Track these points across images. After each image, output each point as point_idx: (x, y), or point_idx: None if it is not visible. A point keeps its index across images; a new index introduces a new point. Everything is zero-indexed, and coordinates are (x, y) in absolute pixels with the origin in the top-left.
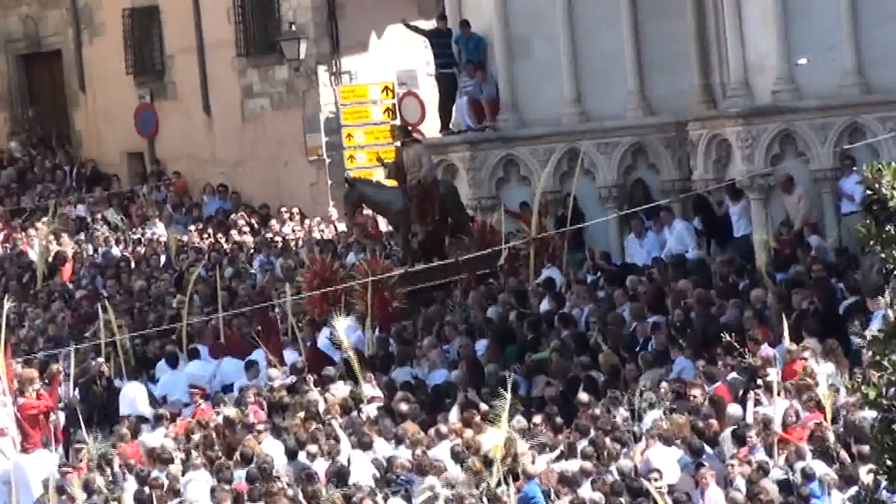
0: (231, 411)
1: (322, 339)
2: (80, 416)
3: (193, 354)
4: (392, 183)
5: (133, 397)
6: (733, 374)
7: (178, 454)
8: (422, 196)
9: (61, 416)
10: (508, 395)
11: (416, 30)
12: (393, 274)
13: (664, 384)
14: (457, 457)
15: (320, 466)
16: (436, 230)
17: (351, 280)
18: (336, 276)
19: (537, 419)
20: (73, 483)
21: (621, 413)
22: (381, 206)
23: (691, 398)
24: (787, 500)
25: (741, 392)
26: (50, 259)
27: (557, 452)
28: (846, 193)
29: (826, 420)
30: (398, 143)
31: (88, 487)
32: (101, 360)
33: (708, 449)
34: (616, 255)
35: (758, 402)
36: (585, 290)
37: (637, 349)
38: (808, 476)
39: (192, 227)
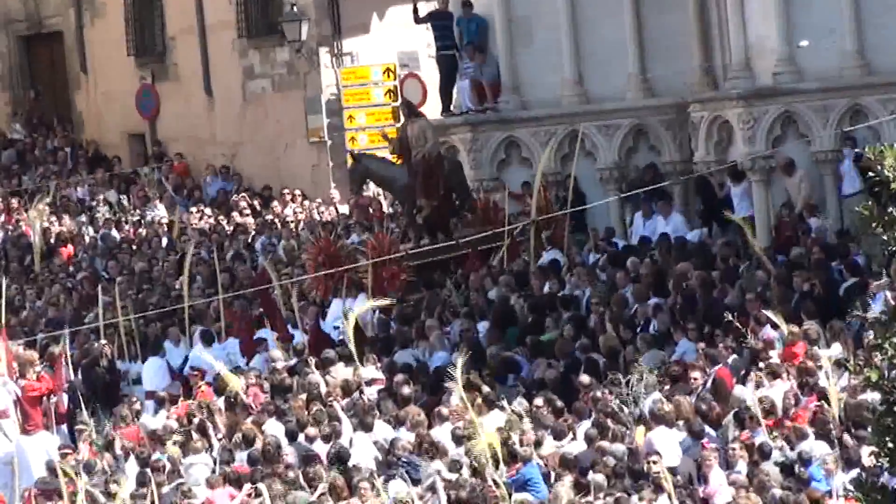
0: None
1: (329, 319)
2: (82, 399)
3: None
4: (396, 158)
5: (153, 373)
6: (734, 357)
7: (178, 437)
8: (426, 171)
9: (64, 398)
10: (459, 379)
11: (421, 20)
12: (398, 255)
13: (663, 366)
14: (457, 440)
15: (321, 448)
16: (440, 205)
17: (355, 258)
18: (340, 252)
19: (538, 402)
20: (69, 464)
21: (621, 396)
22: (386, 181)
23: (692, 380)
24: (788, 482)
25: (742, 374)
26: (52, 240)
27: (570, 437)
28: (845, 175)
29: (829, 403)
30: (402, 120)
31: (89, 469)
32: (103, 341)
33: (710, 431)
34: (617, 235)
35: (759, 385)
36: (587, 271)
37: (638, 331)
38: (806, 459)
39: (193, 209)
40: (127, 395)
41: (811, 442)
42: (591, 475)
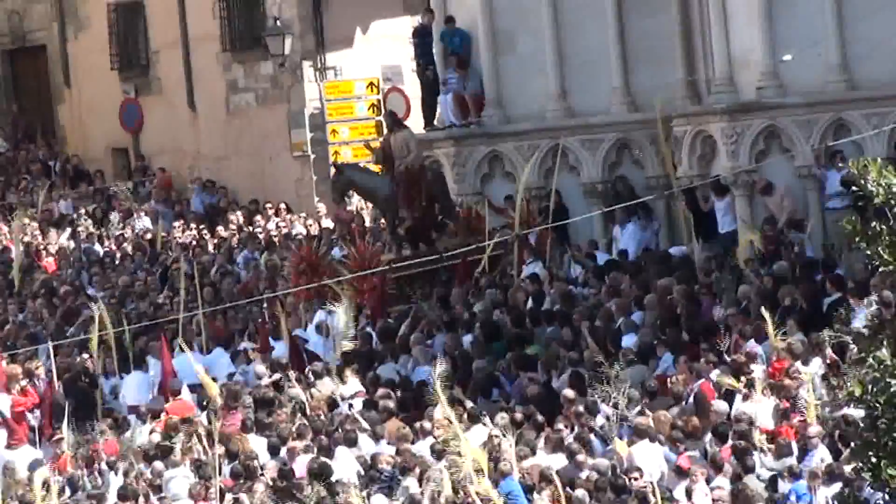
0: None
1: (311, 333)
2: (66, 412)
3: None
4: (380, 169)
5: (135, 387)
6: (717, 371)
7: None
8: (409, 182)
9: (36, 412)
10: (440, 393)
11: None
12: (382, 269)
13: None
14: (437, 454)
15: (302, 462)
16: (423, 217)
17: (337, 270)
18: (322, 261)
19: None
20: (52, 473)
21: (604, 410)
22: (368, 191)
23: (673, 394)
24: (772, 497)
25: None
26: (35, 254)
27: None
28: (831, 189)
29: (810, 419)
30: (386, 131)
31: (73, 484)
32: (85, 356)
33: (691, 447)
34: (601, 250)
35: (746, 398)
36: (565, 286)
37: (622, 345)
38: (793, 474)
39: (177, 223)
40: (112, 409)
41: (794, 458)
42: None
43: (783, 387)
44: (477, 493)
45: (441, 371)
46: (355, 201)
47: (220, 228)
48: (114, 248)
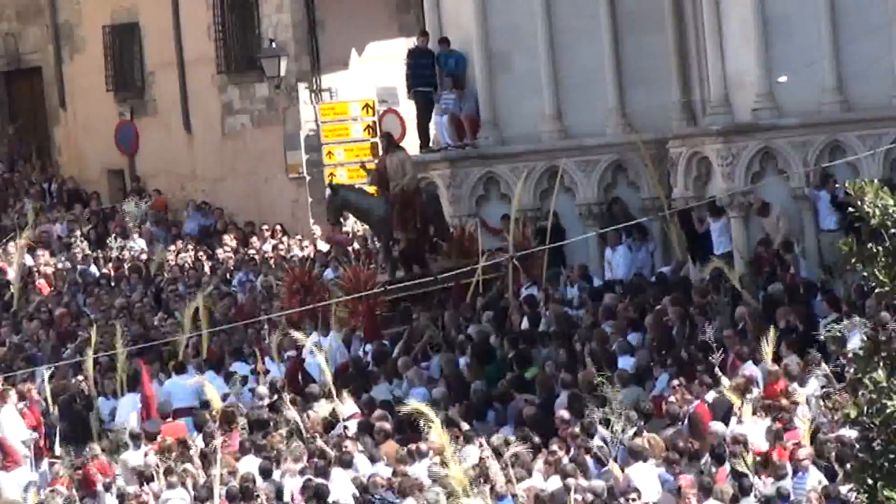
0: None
1: (306, 355)
2: (59, 434)
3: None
4: (375, 190)
5: (128, 409)
6: (712, 393)
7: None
8: (404, 204)
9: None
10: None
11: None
12: (375, 291)
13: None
14: (433, 476)
15: (295, 484)
16: (417, 238)
17: (331, 292)
18: (314, 282)
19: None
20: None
21: (600, 432)
22: (363, 212)
23: (669, 414)
24: None
25: (725, 410)
26: (31, 276)
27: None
28: (823, 209)
29: (804, 441)
30: (381, 152)
31: None
32: (80, 378)
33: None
34: (598, 272)
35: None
36: (561, 308)
37: (618, 367)
38: (783, 496)
39: (172, 246)
40: (113, 431)
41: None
42: None
43: (780, 408)
44: None
45: (437, 393)
46: (350, 223)
47: (219, 251)
48: (111, 270)
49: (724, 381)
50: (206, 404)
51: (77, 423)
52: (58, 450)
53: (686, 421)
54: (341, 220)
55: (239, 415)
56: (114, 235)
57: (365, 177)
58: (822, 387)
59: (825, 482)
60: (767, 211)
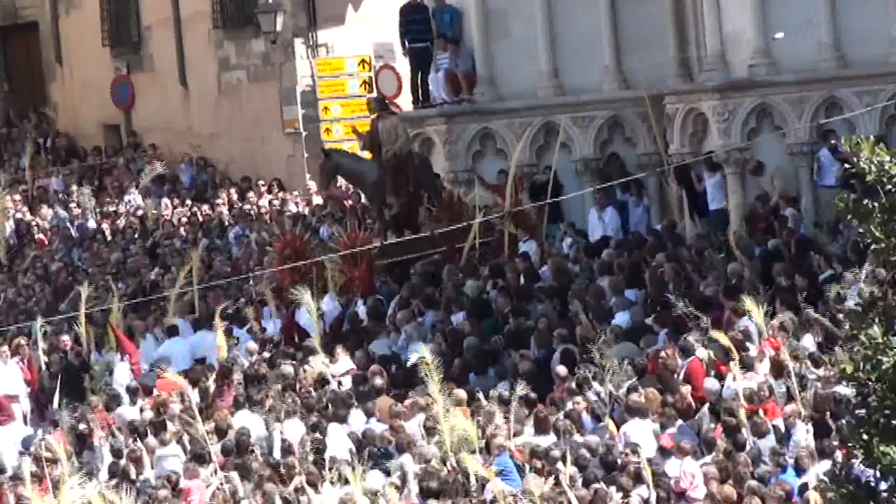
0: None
1: (302, 312)
2: (59, 388)
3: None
4: (367, 154)
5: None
6: (704, 350)
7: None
8: (397, 168)
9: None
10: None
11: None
12: (371, 247)
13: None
14: (428, 431)
15: (293, 439)
16: (409, 203)
17: (324, 253)
18: (306, 247)
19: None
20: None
21: (594, 387)
22: (356, 177)
23: (663, 370)
24: (761, 474)
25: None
26: (26, 231)
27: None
28: (824, 167)
29: (797, 396)
30: (374, 115)
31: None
32: (71, 334)
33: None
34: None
35: (746, 368)
36: (560, 260)
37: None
38: (777, 453)
39: (167, 200)
40: (108, 385)
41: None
42: (561, 466)
43: (778, 362)
44: (466, 468)
45: (432, 349)
46: (342, 185)
47: (216, 202)
48: (106, 225)
49: (720, 336)
50: (201, 361)
51: (72, 380)
52: (56, 406)
53: (681, 376)
54: (333, 184)
55: (236, 370)
56: (99, 190)
57: (356, 138)
58: (818, 343)
59: (811, 441)
60: (761, 171)
